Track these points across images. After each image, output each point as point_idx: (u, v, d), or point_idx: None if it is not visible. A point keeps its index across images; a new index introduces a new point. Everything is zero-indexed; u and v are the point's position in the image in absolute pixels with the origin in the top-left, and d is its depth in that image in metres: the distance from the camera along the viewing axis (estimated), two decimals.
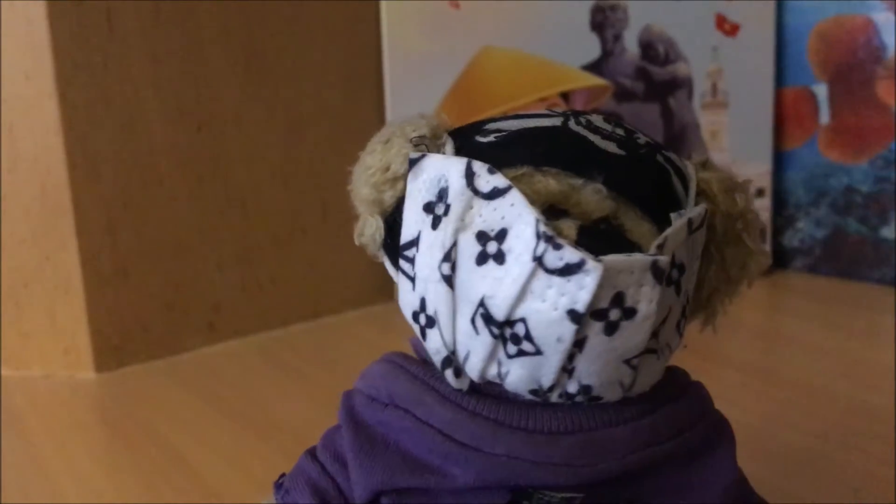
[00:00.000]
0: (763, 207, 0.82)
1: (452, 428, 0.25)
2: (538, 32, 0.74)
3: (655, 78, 0.78)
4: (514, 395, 0.25)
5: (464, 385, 0.25)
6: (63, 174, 0.59)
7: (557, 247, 0.22)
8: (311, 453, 0.29)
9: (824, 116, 0.80)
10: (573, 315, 0.22)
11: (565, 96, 0.75)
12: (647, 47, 0.77)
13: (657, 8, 0.77)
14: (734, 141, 0.81)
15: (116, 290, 0.62)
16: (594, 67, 0.76)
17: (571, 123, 0.26)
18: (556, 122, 0.26)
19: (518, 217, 0.23)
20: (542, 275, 0.22)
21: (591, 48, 0.76)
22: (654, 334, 0.23)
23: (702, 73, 0.79)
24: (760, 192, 0.82)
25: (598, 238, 0.23)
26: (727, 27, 0.79)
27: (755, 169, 0.81)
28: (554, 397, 0.24)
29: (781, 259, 0.84)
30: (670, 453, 0.26)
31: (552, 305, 0.22)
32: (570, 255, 0.22)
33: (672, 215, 0.24)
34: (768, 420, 0.50)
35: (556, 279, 0.22)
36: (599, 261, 0.21)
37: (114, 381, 0.61)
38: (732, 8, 0.79)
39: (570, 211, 0.24)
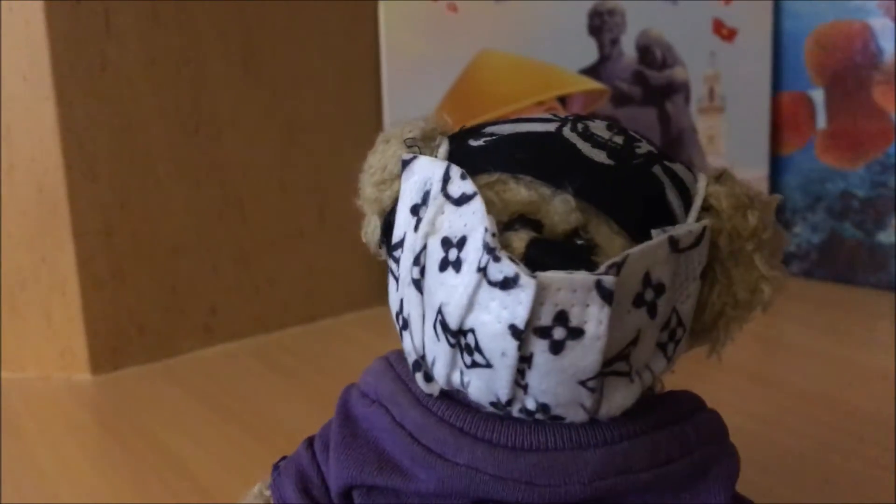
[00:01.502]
0: None
1: (420, 431, 0.25)
2: (536, 36, 0.74)
3: (653, 82, 0.78)
4: (479, 406, 0.25)
5: (433, 390, 0.25)
6: (60, 176, 0.59)
7: (497, 259, 0.21)
8: (310, 440, 0.30)
9: (821, 121, 0.80)
10: (513, 330, 0.21)
11: (563, 100, 0.75)
12: (645, 51, 0.77)
13: (655, 12, 0.77)
14: (731, 145, 0.81)
15: (113, 292, 0.62)
16: (592, 71, 0.76)
17: (566, 130, 0.25)
18: (550, 127, 0.25)
19: (476, 226, 0.23)
20: (486, 286, 0.22)
21: (589, 52, 0.76)
22: (623, 357, 0.23)
23: (699, 77, 0.79)
24: None
25: (551, 253, 0.22)
26: (724, 32, 0.79)
27: (752, 173, 0.81)
28: (514, 412, 0.24)
29: None
30: (646, 483, 0.24)
31: (496, 318, 0.22)
32: (508, 268, 0.21)
33: (653, 232, 0.23)
34: (764, 424, 0.50)
35: (498, 292, 0.22)
36: (534, 276, 0.21)
37: (110, 382, 0.61)
38: (730, 13, 0.79)
39: (543, 222, 0.23)
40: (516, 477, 0.24)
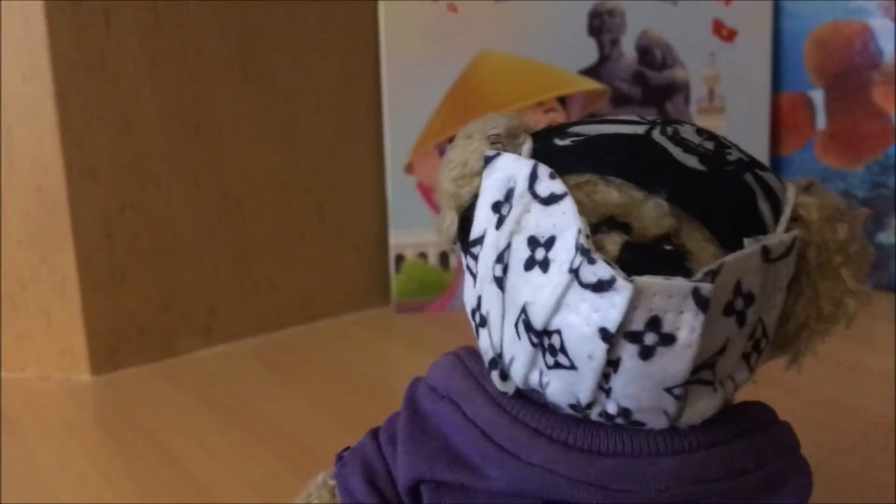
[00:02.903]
0: None
1: (494, 430, 0.25)
2: (536, 37, 0.74)
3: (652, 83, 0.78)
4: (556, 407, 0.25)
5: (509, 389, 0.25)
6: (60, 176, 0.59)
7: (592, 261, 0.21)
8: (374, 432, 0.29)
9: (821, 122, 0.80)
10: (604, 333, 0.21)
11: (562, 100, 0.75)
12: (645, 52, 0.77)
13: (655, 13, 0.77)
14: None
15: (113, 293, 0.62)
16: (592, 72, 0.76)
17: (655, 133, 0.25)
18: (639, 129, 0.25)
19: (567, 226, 0.22)
20: (577, 288, 0.21)
21: (589, 53, 0.76)
22: (709, 365, 0.22)
23: (699, 78, 0.79)
24: None
25: (647, 257, 0.22)
26: (724, 32, 0.79)
27: None
28: (594, 415, 0.24)
29: None
30: (723, 494, 0.24)
31: (585, 321, 0.21)
32: (603, 271, 0.21)
33: (746, 240, 0.23)
34: None
35: (589, 294, 0.21)
36: (631, 280, 0.21)
37: (110, 383, 0.61)
38: (730, 13, 0.79)
39: (632, 225, 0.23)
40: (591, 481, 0.24)
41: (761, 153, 0.82)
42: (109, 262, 0.62)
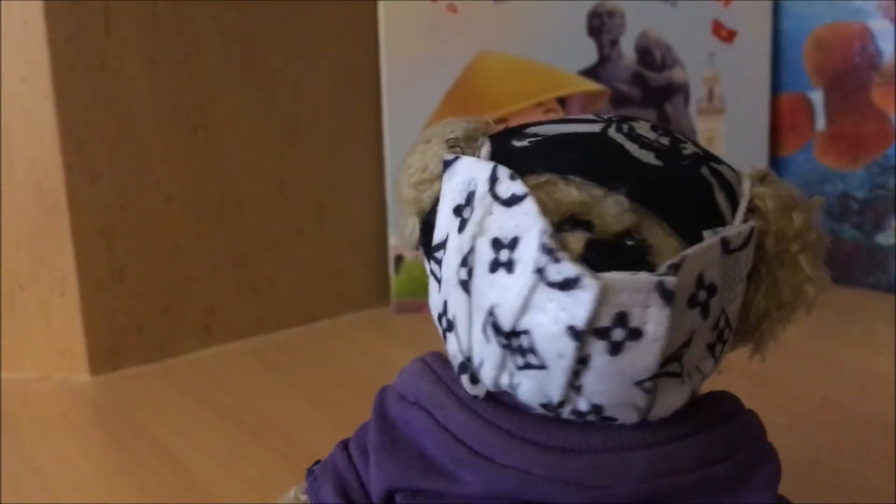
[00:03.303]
0: None
1: (467, 434, 0.25)
2: (535, 37, 0.74)
3: (652, 83, 0.78)
4: (527, 407, 0.25)
5: (479, 392, 0.25)
6: (59, 176, 0.59)
7: (557, 260, 0.21)
8: (344, 444, 0.29)
9: (820, 123, 0.80)
10: (572, 331, 0.21)
11: (562, 101, 0.75)
12: (644, 53, 0.77)
13: (654, 14, 0.77)
14: (730, 147, 0.81)
15: (112, 293, 0.62)
16: (591, 73, 0.76)
17: (611, 130, 0.25)
18: (595, 128, 0.25)
19: (530, 226, 0.22)
20: (543, 288, 0.21)
21: (588, 53, 0.76)
22: (676, 358, 0.23)
23: (698, 78, 0.79)
24: None
25: (610, 254, 0.22)
26: (724, 33, 0.79)
27: None
28: (565, 413, 0.24)
29: None
30: (694, 484, 0.24)
31: (553, 319, 0.21)
32: (569, 269, 0.21)
33: (705, 233, 0.23)
34: None
35: (556, 293, 0.21)
36: (598, 277, 0.21)
37: (109, 383, 0.61)
38: (729, 14, 0.79)
39: (593, 222, 0.23)
40: (566, 479, 0.24)
41: (761, 154, 0.82)
42: (109, 262, 0.62)
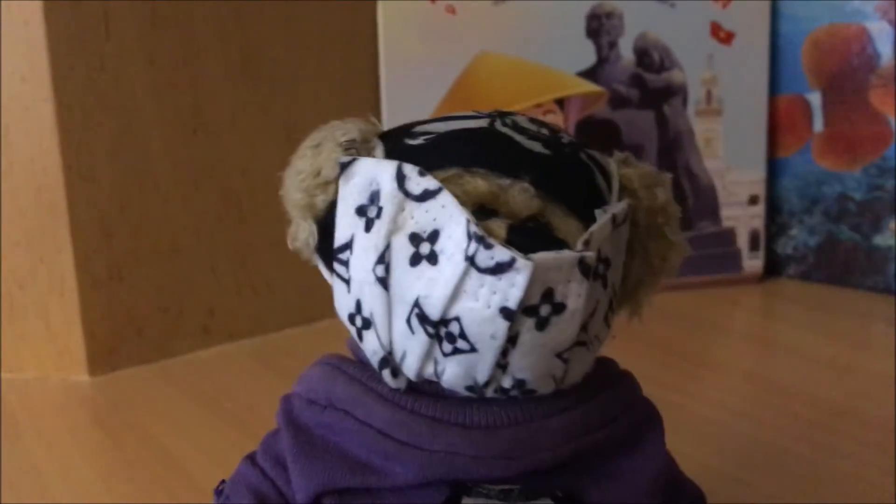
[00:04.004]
0: (757, 215, 0.82)
1: (392, 427, 0.26)
2: (534, 38, 0.74)
3: (650, 85, 0.78)
4: (451, 392, 0.25)
5: (401, 384, 0.26)
6: (58, 177, 0.59)
7: (488, 246, 0.22)
8: (251, 458, 0.29)
9: (818, 124, 0.81)
10: (505, 312, 0.22)
11: (560, 102, 0.76)
12: (643, 54, 0.78)
13: (653, 15, 0.77)
14: (728, 148, 0.81)
15: (111, 293, 0.62)
16: (589, 74, 0.76)
17: (497, 124, 0.26)
18: (483, 123, 0.27)
19: (449, 218, 0.23)
20: (474, 274, 0.23)
21: (587, 55, 0.76)
22: (584, 327, 0.24)
23: (696, 80, 0.80)
24: (754, 200, 0.82)
25: (528, 236, 0.23)
26: (722, 35, 0.79)
27: (749, 176, 0.81)
28: (489, 392, 0.25)
29: (774, 266, 0.84)
30: (602, 441, 0.26)
31: (485, 304, 0.23)
32: (501, 254, 0.22)
33: (597, 212, 0.25)
34: (760, 425, 0.51)
35: (489, 278, 0.22)
36: (530, 259, 0.22)
37: (108, 383, 0.61)
38: (727, 16, 0.79)
39: (499, 210, 0.24)
40: (493, 454, 0.25)
41: (759, 155, 0.82)
42: (108, 262, 0.62)
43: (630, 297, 0.28)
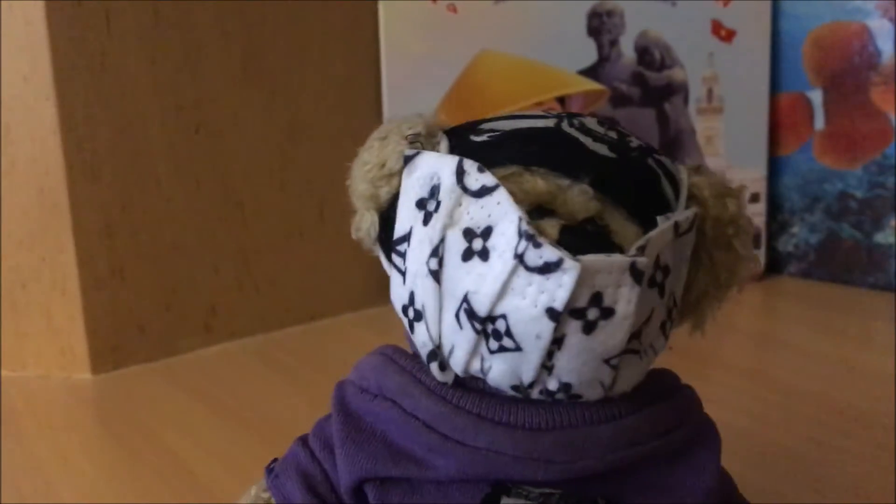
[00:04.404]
0: (758, 213, 0.82)
1: (437, 420, 0.26)
2: (535, 37, 0.74)
3: (651, 83, 0.78)
4: (497, 391, 0.25)
5: (448, 378, 0.26)
6: (61, 175, 0.59)
7: (538, 245, 0.22)
8: (303, 440, 0.30)
9: (819, 122, 0.81)
10: (551, 313, 0.22)
11: (562, 101, 0.76)
12: (644, 52, 0.78)
13: (654, 13, 0.77)
14: (729, 146, 0.81)
15: (113, 292, 0.62)
16: (591, 72, 0.76)
17: (564, 125, 0.26)
18: (550, 123, 0.26)
19: (503, 215, 0.23)
20: (522, 272, 0.23)
21: (588, 53, 0.76)
22: (636, 335, 0.24)
23: (698, 78, 0.80)
24: (755, 198, 0.82)
25: (582, 238, 0.23)
26: (723, 33, 0.80)
27: (750, 174, 0.81)
28: (535, 394, 0.25)
29: (776, 264, 0.84)
30: (652, 453, 0.26)
31: (532, 303, 0.23)
32: (550, 253, 0.22)
33: (659, 218, 0.24)
34: (762, 423, 0.51)
35: (536, 277, 0.22)
36: (577, 260, 0.22)
37: (110, 382, 0.61)
38: (728, 14, 0.79)
39: (558, 211, 0.24)
40: (536, 456, 0.25)
41: (760, 153, 0.82)
42: (110, 261, 0.62)
43: (693, 309, 0.28)
